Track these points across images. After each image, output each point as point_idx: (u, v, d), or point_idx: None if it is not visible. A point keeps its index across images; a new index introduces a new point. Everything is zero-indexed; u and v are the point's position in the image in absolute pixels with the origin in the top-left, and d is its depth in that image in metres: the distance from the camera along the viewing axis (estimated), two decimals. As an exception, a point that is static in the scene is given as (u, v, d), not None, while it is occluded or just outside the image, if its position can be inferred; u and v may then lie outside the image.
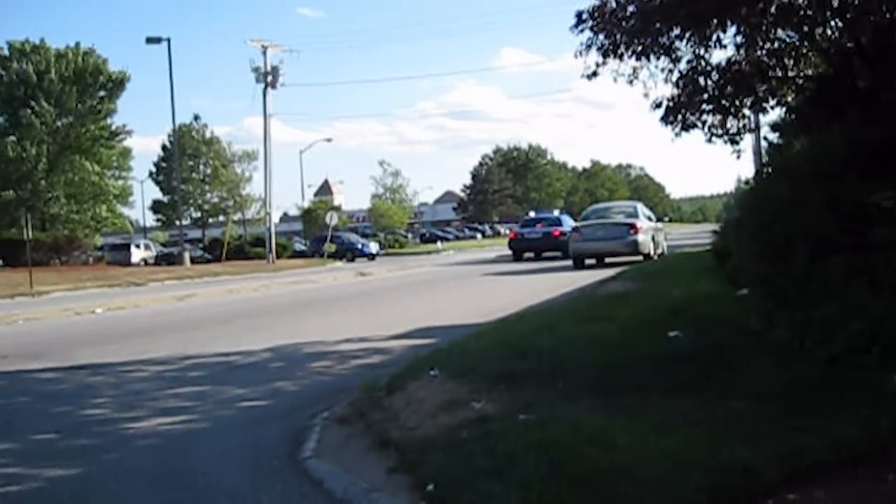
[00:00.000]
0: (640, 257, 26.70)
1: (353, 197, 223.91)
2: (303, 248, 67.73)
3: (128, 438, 6.94)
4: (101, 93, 62.86)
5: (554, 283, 21.87)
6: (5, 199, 59.75)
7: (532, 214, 51.60)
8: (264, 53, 53.21)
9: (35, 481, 5.76)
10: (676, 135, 12.98)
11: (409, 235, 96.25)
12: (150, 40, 47.82)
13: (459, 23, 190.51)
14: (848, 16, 10.50)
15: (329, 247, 54.02)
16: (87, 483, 5.72)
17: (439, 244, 79.27)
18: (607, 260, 27.33)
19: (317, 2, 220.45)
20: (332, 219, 55.60)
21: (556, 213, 49.16)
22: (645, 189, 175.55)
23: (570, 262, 28.39)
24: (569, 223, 35.34)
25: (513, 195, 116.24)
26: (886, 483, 4.44)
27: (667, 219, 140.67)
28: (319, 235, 61.94)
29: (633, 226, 27.11)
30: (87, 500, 5.34)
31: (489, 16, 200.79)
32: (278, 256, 54.87)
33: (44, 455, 6.45)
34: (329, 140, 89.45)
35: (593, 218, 29.66)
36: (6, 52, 61.18)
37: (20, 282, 30.78)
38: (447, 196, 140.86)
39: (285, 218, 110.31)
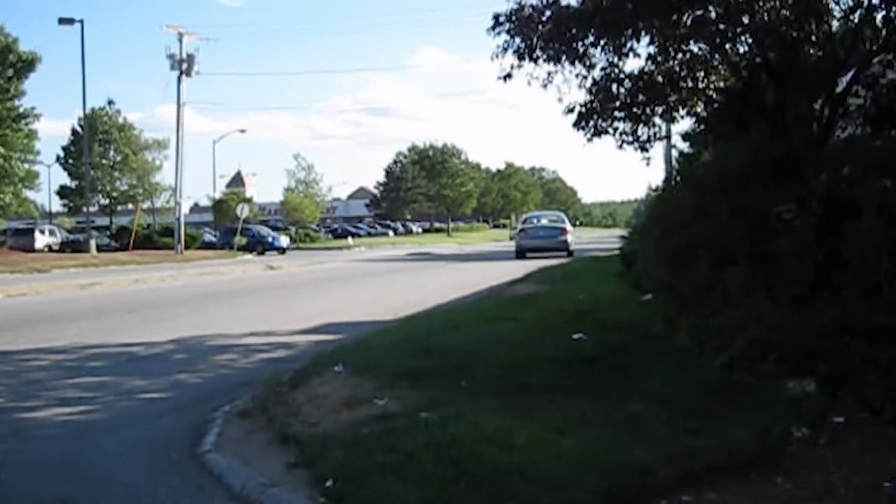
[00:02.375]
0: (566, 252, 34.50)
1: (266, 190, 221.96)
2: (213, 239, 66.78)
3: (24, 428, 6.81)
4: (9, 72, 61.35)
5: (463, 282, 22.00)
6: None
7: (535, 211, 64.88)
8: (180, 40, 52.36)
9: (-78, 470, 5.60)
10: (588, 140, 13.13)
11: (322, 230, 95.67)
12: (62, 21, 46.81)
13: (376, 19, 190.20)
14: (758, 33, 10.74)
15: (239, 239, 53.43)
16: (-22, 473, 5.58)
17: (350, 240, 78.96)
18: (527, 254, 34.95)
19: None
20: (243, 211, 55.01)
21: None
22: (557, 192, 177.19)
23: (487, 263, 32.66)
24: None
25: (426, 193, 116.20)
26: (776, 487, 4.56)
27: (578, 223, 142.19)
28: (230, 227, 61.27)
29: (563, 229, 36.95)
30: (-23, 490, 5.22)
31: (407, 14, 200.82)
32: (187, 247, 54.06)
33: (-66, 444, 6.28)
34: (243, 131, 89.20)
35: (534, 222, 40.01)
36: None
37: (-86, 264, 29.99)
38: (361, 192, 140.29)
39: (196, 208, 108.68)
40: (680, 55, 12.20)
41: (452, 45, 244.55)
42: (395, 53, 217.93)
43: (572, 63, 12.42)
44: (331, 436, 5.61)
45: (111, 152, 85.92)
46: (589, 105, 12.82)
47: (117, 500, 5.04)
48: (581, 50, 12.01)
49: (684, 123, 15.65)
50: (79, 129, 79.92)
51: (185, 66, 52.19)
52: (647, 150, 13.45)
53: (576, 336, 8.77)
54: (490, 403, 5.95)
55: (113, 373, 9.23)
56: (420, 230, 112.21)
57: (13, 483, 5.36)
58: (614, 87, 12.60)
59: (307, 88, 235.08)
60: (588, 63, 12.42)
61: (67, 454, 6.00)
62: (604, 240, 57.14)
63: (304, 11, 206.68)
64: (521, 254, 36.04)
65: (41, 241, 60.53)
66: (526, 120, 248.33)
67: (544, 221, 39.64)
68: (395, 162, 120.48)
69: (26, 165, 64.04)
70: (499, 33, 12.47)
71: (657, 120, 13.43)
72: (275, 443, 5.89)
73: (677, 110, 13.20)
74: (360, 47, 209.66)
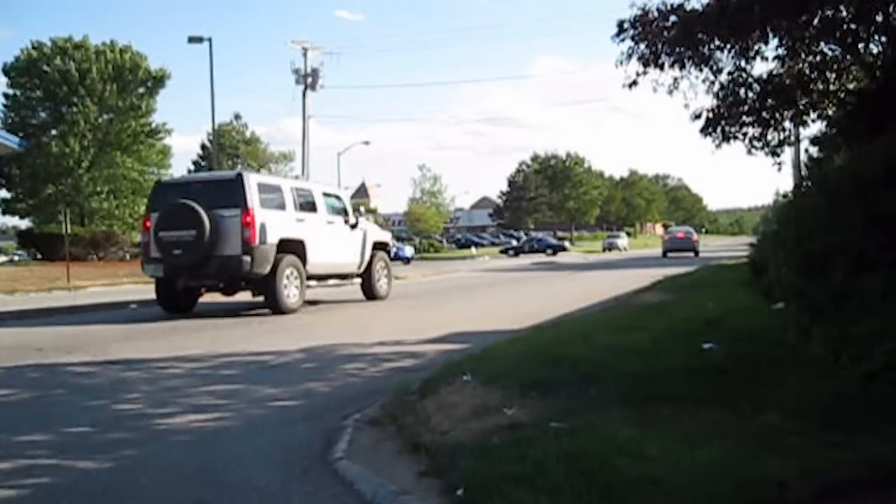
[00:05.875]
0: (694, 252, 53.73)
1: (389, 200, 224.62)
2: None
3: (160, 434, 6.99)
4: (141, 90, 63.44)
5: (589, 291, 21.86)
6: (46, 194, 60.50)
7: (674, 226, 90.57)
8: (304, 55, 53.31)
9: (69, 473, 5.80)
10: (717, 146, 12.97)
11: (444, 240, 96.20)
12: (192, 39, 47.88)
13: (496, 30, 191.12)
14: (892, 32, 10.43)
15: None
16: (119, 477, 5.75)
17: (474, 250, 79.28)
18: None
19: (355, 5, 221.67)
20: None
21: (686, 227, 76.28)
22: (682, 200, 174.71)
23: (613, 271, 35.49)
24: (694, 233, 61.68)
25: (549, 202, 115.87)
26: (920, 503, 4.40)
27: (703, 230, 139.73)
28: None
29: (692, 238, 57.42)
30: (119, 494, 5.35)
31: (526, 24, 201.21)
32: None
33: (78, 448, 6.49)
34: (367, 143, 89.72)
35: (673, 233, 61.87)
36: (49, 49, 61.87)
37: (58, 276, 30.94)
38: (483, 202, 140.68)
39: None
40: (810, 57, 11.96)
41: (572, 53, 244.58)
42: (514, 63, 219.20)
43: (698, 68, 12.28)
44: (461, 445, 5.61)
45: (239, 166, 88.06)
46: (716, 110, 12.67)
47: (253, 505, 5.14)
48: (707, 54, 11.87)
49: (814, 127, 15.32)
50: (207, 143, 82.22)
51: (309, 80, 53.10)
52: (777, 155, 13.25)
53: (706, 345, 8.63)
54: (620, 413, 5.89)
55: (245, 381, 9.43)
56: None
57: (154, 487, 5.50)
58: (742, 91, 12.42)
59: (428, 100, 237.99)
60: (714, 67, 12.28)
61: (203, 459, 6.13)
62: (730, 247, 60.35)
63: (424, 24, 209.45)
64: (664, 254, 55.64)
65: (173, 252, 61.88)
66: (650, 127, 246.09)
67: (680, 234, 60.53)
68: (517, 171, 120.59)
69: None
70: (623, 40, 12.43)
71: (787, 124, 13.18)
72: (405, 451, 5.92)
73: (808, 114, 12.95)
74: (480, 58, 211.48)
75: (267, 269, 17.14)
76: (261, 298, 18.10)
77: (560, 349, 8.80)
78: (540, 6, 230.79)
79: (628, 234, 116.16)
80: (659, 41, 11.88)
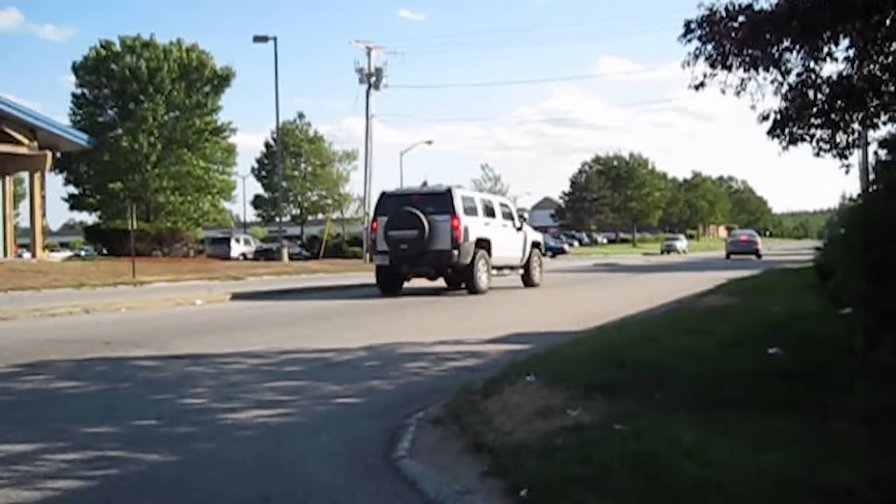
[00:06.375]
0: (756, 254, 56.80)
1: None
2: (400, 248, 67.77)
3: (225, 428, 7.06)
4: (207, 88, 64.19)
5: (651, 293, 21.76)
6: (114, 190, 61.52)
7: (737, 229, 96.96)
8: (368, 55, 53.58)
9: (136, 465, 5.88)
10: (784, 148, 12.82)
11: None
12: (257, 39, 48.40)
13: (558, 29, 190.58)
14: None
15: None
16: (185, 470, 5.83)
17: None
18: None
19: (417, 5, 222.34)
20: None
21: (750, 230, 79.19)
22: (746, 202, 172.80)
23: (674, 273, 36.07)
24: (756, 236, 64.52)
25: (611, 204, 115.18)
26: None
27: (767, 233, 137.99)
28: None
29: (755, 241, 59.83)
30: (185, 487, 5.42)
31: (589, 24, 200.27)
32: (375, 256, 54.99)
33: (145, 440, 6.58)
34: (430, 143, 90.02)
35: (737, 237, 64.81)
36: (118, 48, 62.89)
37: (123, 271, 31.37)
38: (545, 202, 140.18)
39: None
40: (881, 58, 11.77)
41: (635, 53, 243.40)
42: (577, 63, 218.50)
43: (766, 69, 12.15)
44: (524, 445, 5.60)
45: (302, 164, 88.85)
46: (784, 112, 12.53)
47: (317, 501, 5.17)
48: (776, 55, 11.74)
49: (883, 129, 15.08)
50: (272, 142, 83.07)
51: (373, 79, 53.42)
52: (846, 158, 13.07)
53: (771, 350, 8.54)
54: (685, 417, 5.84)
55: (308, 377, 9.50)
56: (605, 241, 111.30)
57: (220, 481, 5.57)
58: (811, 92, 12.27)
59: (490, 99, 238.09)
60: (783, 68, 12.13)
61: (267, 455, 6.18)
62: (795, 251, 61.23)
63: (485, 23, 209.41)
64: (727, 255, 58.88)
65: (236, 249, 63.04)
66: (714, 128, 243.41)
67: (744, 237, 63.45)
68: (579, 171, 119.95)
69: (223, 177, 67.03)
70: (690, 40, 12.34)
71: (855, 126, 13.00)
72: (468, 451, 5.92)
73: (878, 116, 12.75)
74: (542, 58, 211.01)
75: (468, 260, 22.62)
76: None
77: (624, 351, 8.75)
78: (603, 6, 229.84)
79: (691, 236, 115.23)
80: (727, 42, 11.77)
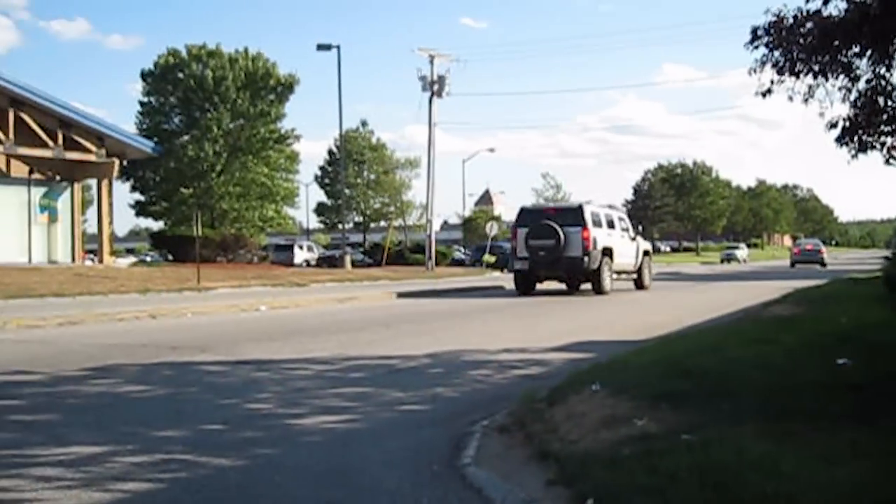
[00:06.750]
0: (821, 263, 59.41)
1: (514, 208, 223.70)
2: (462, 256, 67.91)
3: (291, 434, 7.11)
4: (271, 96, 64.74)
5: (716, 302, 21.57)
6: (179, 197, 62.35)
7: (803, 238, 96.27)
8: (431, 62, 53.63)
9: (203, 469, 5.96)
10: (853, 156, 12.63)
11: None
12: (320, 47, 48.72)
13: (620, 37, 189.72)
14: None
15: (488, 257, 53.93)
16: (252, 474, 5.88)
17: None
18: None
19: (480, 12, 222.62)
20: (492, 229, 55.53)
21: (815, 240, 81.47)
22: (812, 211, 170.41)
23: (739, 283, 36.64)
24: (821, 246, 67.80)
25: (674, 212, 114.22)
26: None
27: (833, 242, 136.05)
28: (479, 245, 62.19)
29: (819, 250, 63.19)
30: (252, 492, 5.47)
31: (651, 31, 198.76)
32: (437, 264, 55.03)
33: (211, 445, 6.66)
34: (492, 150, 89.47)
35: (802, 246, 67.52)
36: (184, 56, 63.71)
37: (188, 277, 31.72)
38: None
39: (445, 226, 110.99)
40: (954, 66, 11.56)
41: (698, 60, 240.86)
42: (639, 70, 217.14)
43: (835, 76, 11.98)
44: (590, 454, 5.58)
45: (365, 172, 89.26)
46: (853, 119, 12.34)
47: (383, 507, 5.20)
48: (846, 62, 11.58)
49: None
50: (335, 149, 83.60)
51: (436, 87, 53.44)
52: (916, 166, 12.82)
53: (840, 361, 8.41)
54: (753, 428, 5.77)
55: (372, 384, 9.52)
56: (668, 249, 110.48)
57: (286, 486, 5.61)
58: (881, 99, 12.07)
59: (553, 107, 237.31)
60: (852, 75, 11.96)
61: (333, 461, 6.23)
62: (861, 260, 60.23)
63: (548, 30, 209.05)
64: (792, 264, 61.61)
65: (300, 256, 63.56)
66: (779, 136, 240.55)
67: (809, 245, 66.91)
68: (642, 180, 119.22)
69: (287, 184, 67.59)
70: (756, 47, 12.20)
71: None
72: (533, 459, 5.92)
73: (950, 124, 12.51)
74: (605, 65, 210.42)
75: (596, 266, 26.06)
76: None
77: (690, 361, 8.67)
78: (665, 14, 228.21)
79: (755, 245, 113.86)
80: (795, 48, 11.63)
